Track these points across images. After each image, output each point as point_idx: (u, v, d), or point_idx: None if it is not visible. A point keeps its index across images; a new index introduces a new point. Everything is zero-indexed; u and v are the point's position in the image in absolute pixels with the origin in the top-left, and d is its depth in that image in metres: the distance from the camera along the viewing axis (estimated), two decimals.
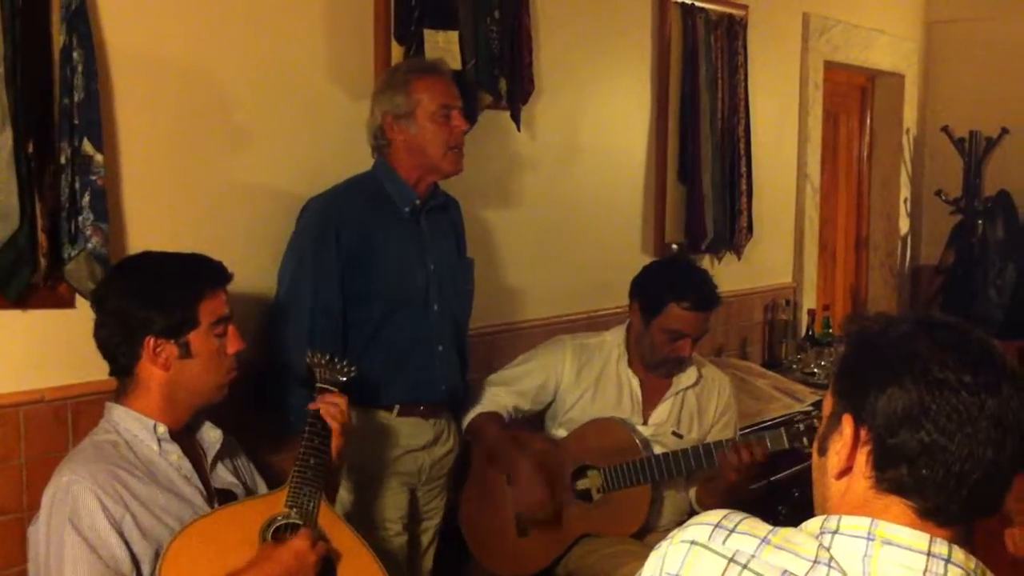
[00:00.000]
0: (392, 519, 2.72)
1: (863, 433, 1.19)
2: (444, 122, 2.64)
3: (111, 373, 2.13)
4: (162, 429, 2.07)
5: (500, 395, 2.96)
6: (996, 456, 1.13)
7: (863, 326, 1.25)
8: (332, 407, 2.27)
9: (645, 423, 2.94)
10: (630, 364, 2.97)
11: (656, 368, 2.94)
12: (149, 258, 2.18)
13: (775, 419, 3.84)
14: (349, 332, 2.63)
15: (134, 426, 2.07)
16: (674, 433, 2.94)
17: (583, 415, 2.93)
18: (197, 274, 2.12)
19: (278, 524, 2.07)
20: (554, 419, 3.01)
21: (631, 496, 2.82)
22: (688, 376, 2.98)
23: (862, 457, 1.20)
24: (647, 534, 2.84)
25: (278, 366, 2.59)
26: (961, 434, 1.13)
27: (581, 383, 2.96)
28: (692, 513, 2.86)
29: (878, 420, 1.17)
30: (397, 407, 2.70)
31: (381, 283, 2.64)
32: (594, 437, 2.87)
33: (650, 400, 2.96)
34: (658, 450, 2.87)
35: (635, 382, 2.95)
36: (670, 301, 2.83)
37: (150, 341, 2.05)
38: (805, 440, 2.70)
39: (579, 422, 2.92)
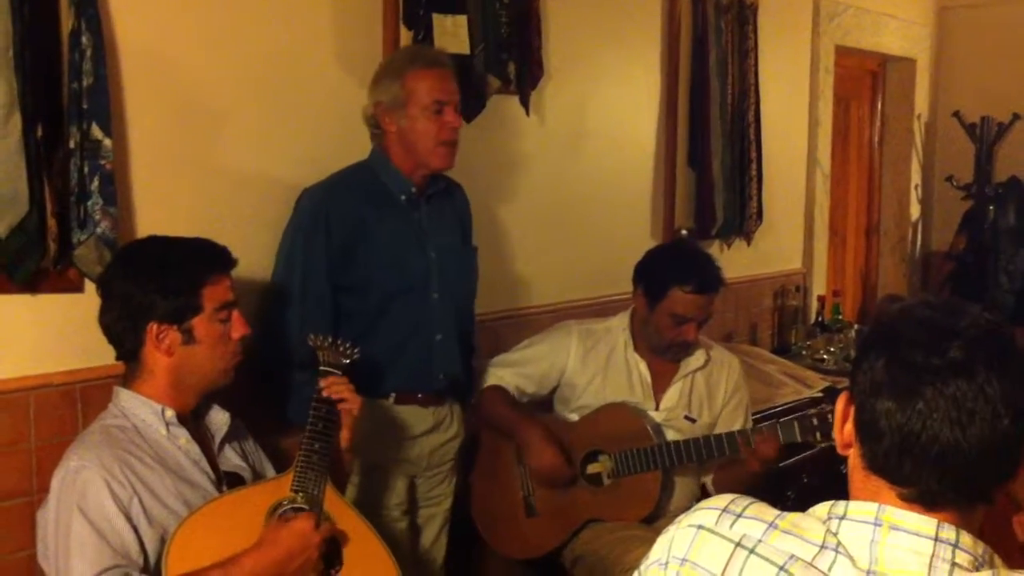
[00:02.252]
0: (389, 506, 2.72)
1: (852, 407, 1.23)
2: (435, 117, 2.59)
3: (118, 357, 2.13)
4: (170, 413, 2.08)
5: (505, 376, 2.98)
6: (957, 437, 1.12)
7: (882, 308, 1.28)
8: (343, 399, 2.26)
9: (656, 408, 2.94)
10: (636, 349, 2.97)
11: (663, 353, 2.94)
12: (154, 243, 2.17)
13: (785, 404, 3.85)
14: (345, 320, 2.60)
15: (142, 410, 2.07)
16: (687, 417, 2.94)
17: (596, 401, 2.93)
18: (201, 259, 2.11)
19: (284, 509, 2.07)
20: (566, 405, 3.00)
21: (641, 482, 2.82)
22: (696, 359, 2.98)
23: (851, 428, 1.23)
24: (656, 520, 2.85)
25: (274, 353, 2.57)
26: (913, 409, 1.13)
27: (588, 368, 2.96)
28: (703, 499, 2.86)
29: (857, 391, 1.21)
30: (393, 395, 2.70)
31: (376, 271, 2.63)
32: (605, 422, 2.87)
33: (659, 384, 2.96)
34: (671, 435, 2.88)
35: (643, 366, 2.95)
36: (673, 285, 2.83)
37: (153, 327, 2.05)
38: (818, 434, 2.71)
39: (590, 408, 2.92)
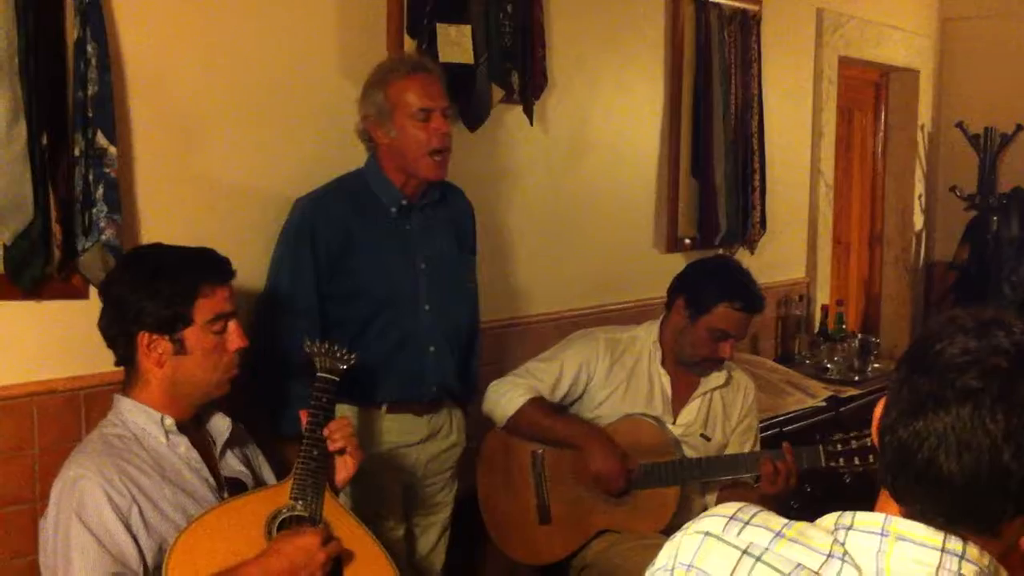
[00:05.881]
0: (384, 515, 2.70)
1: None
2: (423, 125, 2.56)
3: (116, 363, 2.12)
4: (169, 422, 2.06)
5: (537, 387, 2.90)
6: (951, 466, 1.09)
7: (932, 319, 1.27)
8: (341, 448, 2.22)
9: (674, 422, 2.93)
10: (663, 362, 2.95)
11: (693, 367, 2.92)
12: (153, 250, 2.16)
13: (789, 413, 3.86)
14: (334, 331, 2.55)
15: (141, 419, 2.05)
16: (702, 435, 2.93)
17: (613, 411, 2.90)
18: (196, 269, 2.07)
19: (283, 517, 2.06)
20: (583, 411, 2.96)
21: (659, 496, 2.81)
22: (717, 377, 2.96)
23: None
24: (669, 534, 2.83)
25: (265, 364, 2.52)
26: (912, 428, 1.12)
27: (613, 379, 2.93)
28: None
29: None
30: (385, 405, 2.68)
31: (364, 282, 2.61)
32: (626, 434, 2.85)
33: (678, 399, 2.95)
34: (686, 451, 2.87)
35: (666, 381, 2.93)
36: (722, 300, 2.81)
37: (144, 336, 2.03)
38: (841, 460, 2.70)
39: (608, 418, 2.89)
